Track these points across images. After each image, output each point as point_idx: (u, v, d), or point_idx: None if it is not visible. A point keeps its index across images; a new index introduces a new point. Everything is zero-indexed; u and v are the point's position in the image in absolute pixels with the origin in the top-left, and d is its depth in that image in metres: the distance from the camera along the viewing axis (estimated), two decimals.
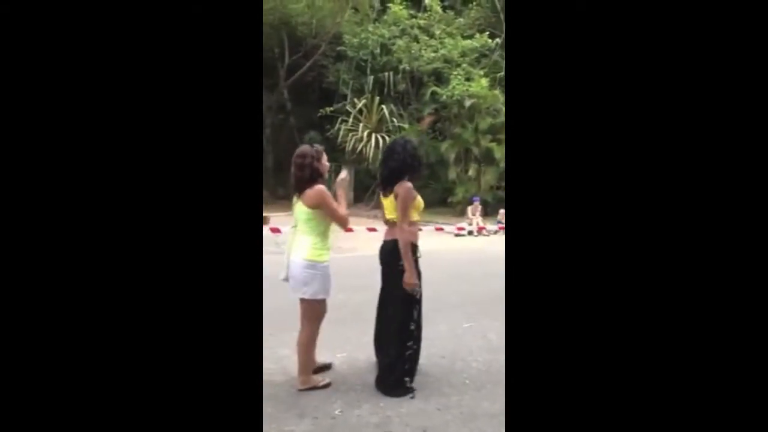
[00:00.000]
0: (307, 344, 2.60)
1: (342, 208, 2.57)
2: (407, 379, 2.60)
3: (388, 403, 2.48)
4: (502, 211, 10.84)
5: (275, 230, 6.39)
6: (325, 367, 2.87)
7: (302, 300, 2.56)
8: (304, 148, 2.60)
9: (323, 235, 2.56)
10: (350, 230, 6.42)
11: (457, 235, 9.90)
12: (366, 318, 3.02)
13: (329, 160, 2.73)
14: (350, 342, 3.29)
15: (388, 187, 2.63)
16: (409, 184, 2.56)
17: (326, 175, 2.68)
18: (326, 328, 2.73)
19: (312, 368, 2.67)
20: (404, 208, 2.52)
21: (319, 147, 2.63)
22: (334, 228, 2.64)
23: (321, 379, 2.67)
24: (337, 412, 2.38)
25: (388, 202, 2.65)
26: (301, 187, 2.54)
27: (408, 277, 2.51)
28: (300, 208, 2.57)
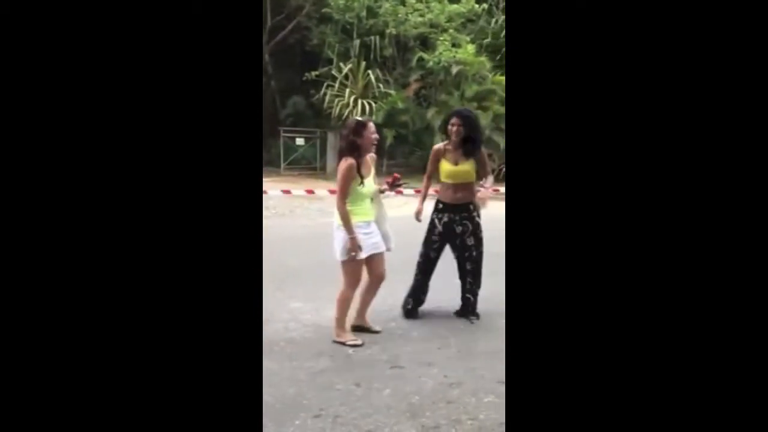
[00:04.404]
0: (341, 301, 2.74)
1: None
2: (409, 306, 3.20)
3: (395, 344, 2.78)
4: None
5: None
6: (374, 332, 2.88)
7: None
8: (348, 121, 2.81)
9: (350, 202, 2.68)
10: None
11: None
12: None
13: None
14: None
15: (473, 154, 3.06)
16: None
17: (371, 150, 2.75)
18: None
19: (344, 324, 2.76)
20: (486, 170, 3.14)
21: (362, 119, 2.74)
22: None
23: (354, 338, 2.74)
24: (350, 352, 2.67)
25: (468, 167, 3.05)
26: (340, 159, 2.70)
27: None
28: None
